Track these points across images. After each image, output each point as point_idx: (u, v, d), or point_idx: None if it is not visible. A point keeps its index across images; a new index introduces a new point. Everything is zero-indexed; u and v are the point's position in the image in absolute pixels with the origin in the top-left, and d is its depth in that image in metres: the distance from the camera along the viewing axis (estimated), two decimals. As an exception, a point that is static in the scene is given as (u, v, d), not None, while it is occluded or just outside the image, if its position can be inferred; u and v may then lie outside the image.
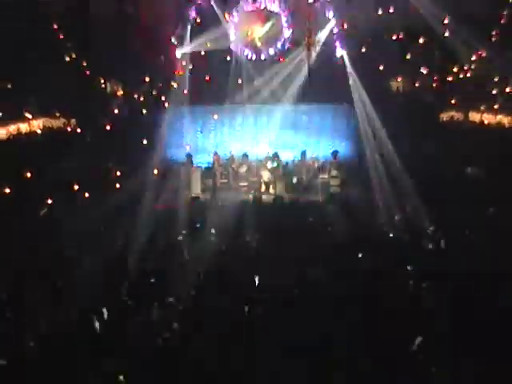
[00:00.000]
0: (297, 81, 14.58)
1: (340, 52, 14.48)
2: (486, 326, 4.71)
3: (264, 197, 12.26)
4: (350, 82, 14.04)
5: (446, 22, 13.00)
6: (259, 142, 14.58)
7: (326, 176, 13.28)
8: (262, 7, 14.80)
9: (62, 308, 4.76)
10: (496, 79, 13.11)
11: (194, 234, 8.20)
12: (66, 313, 4.69)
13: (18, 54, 10.59)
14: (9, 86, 11.22)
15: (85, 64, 12.55)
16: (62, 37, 11.86)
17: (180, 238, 7.91)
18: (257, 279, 5.81)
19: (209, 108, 14.68)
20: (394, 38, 13.73)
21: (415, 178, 10.75)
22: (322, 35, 14.36)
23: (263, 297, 5.13)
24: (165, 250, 6.80)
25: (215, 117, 14.67)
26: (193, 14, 14.51)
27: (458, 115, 14.08)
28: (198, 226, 9.12)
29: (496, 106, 13.25)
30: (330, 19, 14.45)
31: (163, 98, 13.93)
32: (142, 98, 13.76)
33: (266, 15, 14.88)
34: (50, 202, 9.48)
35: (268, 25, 14.90)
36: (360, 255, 6.76)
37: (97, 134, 12.25)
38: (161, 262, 6.15)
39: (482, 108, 13.50)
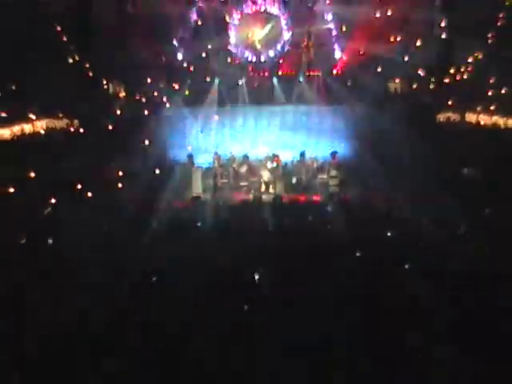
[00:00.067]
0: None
1: (338, 54, 14.43)
2: (484, 326, 4.63)
3: (264, 196, 12.20)
4: (349, 83, 14.00)
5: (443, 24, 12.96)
6: (259, 142, 14.51)
7: (324, 176, 13.19)
8: (262, 10, 14.76)
9: (62, 308, 4.67)
10: (492, 81, 13.02)
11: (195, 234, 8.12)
12: (66, 313, 4.60)
13: (20, 55, 10.49)
14: (13, 87, 11.12)
15: (87, 65, 12.46)
16: (64, 38, 11.74)
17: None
18: (257, 278, 5.74)
19: (210, 109, 14.61)
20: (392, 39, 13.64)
21: (413, 178, 10.68)
22: (320, 37, 14.31)
23: (263, 297, 5.05)
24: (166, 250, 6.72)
25: (216, 118, 14.60)
26: (194, 16, 14.47)
27: (454, 116, 14.00)
28: (199, 224, 9.04)
29: (492, 108, 13.17)
30: (328, 22, 14.40)
31: (165, 99, 13.85)
32: (143, 99, 13.67)
33: (266, 18, 14.86)
34: (53, 201, 9.39)
35: (268, 27, 14.88)
36: (358, 254, 6.71)
37: (99, 135, 12.17)
38: (161, 262, 6.07)
39: (479, 109, 13.42)
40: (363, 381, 4.14)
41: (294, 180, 13.19)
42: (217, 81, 14.70)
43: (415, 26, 13.62)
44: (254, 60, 15.00)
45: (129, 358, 4.27)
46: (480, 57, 13.06)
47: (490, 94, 13.06)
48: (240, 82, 14.74)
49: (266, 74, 15.06)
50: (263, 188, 12.78)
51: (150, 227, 7.75)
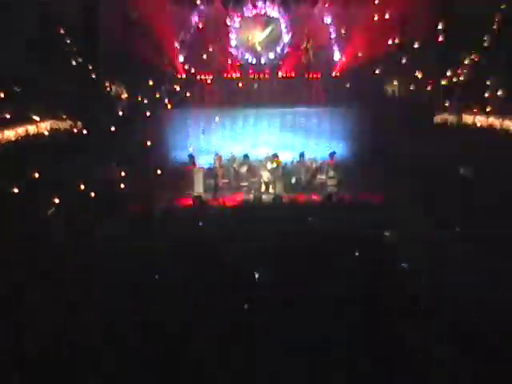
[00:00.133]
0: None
1: (337, 56, 14.35)
2: (484, 326, 4.54)
3: (264, 196, 12.16)
4: (347, 84, 13.93)
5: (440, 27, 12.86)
6: (259, 143, 14.45)
7: (323, 176, 13.18)
8: (263, 13, 14.72)
9: (62, 308, 4.58)
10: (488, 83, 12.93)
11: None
12: (65, 313, 4.51)
13: (25, 57, 10.40)
14: (17, 89, 11.03)
15: (90, 67, 12.38)
16: (68, 40, 11.65)
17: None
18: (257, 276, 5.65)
19: (211, 111, 14.55)
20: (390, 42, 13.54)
21: (410, 178, 10.60)
22: (320, 40, 14.25)
23: (263, 297, 4.95)
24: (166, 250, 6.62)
25: (217, 119, 14.55)
26: (195, 19, 14.41)
27: (451, 117, 13.92)
28: (200, 224, 8.94)
29: (488, 109, 13.09)
30: (328, 24, 14.33)
31: (166, 101, 13.79)
32: (145, 101, 13.61)
33: (266, 21, 14.84)
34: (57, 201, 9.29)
35: (268, 30, 14.85)
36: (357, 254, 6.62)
37: (102, 136, 12.10)
38: (162, 262, 5.98)
39: (475, 110, 13.34)
40: (363, 381, 4.05)
41: (293, 180, 13.16)
42: (218, 82, 14.67)
43: (413, 28, 13.51)
44: (254, 62, 14.95)
45: (129, 358, 4.17)
46: (476, 59, 12.96)
47: (486, 95, 13.00)
48: (240, 84, 14.69)
49: (266, 75, 15.00)
50: (263, 188, 12.74)
51: (150, 227, 7.67)
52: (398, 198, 9.89)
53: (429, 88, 13.84)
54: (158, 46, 13.68)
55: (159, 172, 11.63)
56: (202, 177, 12.81)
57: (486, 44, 12.44)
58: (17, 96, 10.29)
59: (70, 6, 12.22)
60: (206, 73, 14.76)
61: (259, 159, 13.69)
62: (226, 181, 13.33)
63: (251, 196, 12.17)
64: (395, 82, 14.66)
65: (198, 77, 14.74)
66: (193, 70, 14.53)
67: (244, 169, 13.38)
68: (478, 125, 13.04)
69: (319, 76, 14.84)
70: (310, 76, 14.90)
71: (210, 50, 14.35)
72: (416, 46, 13.37)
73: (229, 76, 14.88)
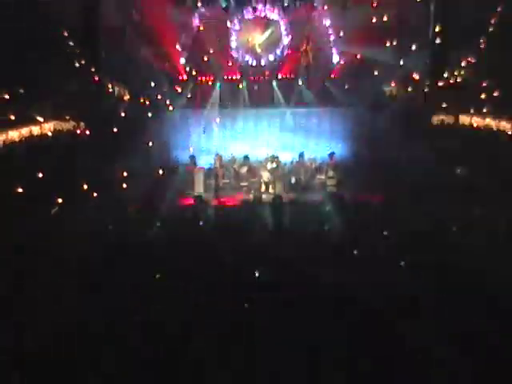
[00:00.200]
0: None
1: (336, 57, 14.27)
2: (484, 326, 4.45)
3: (264, 196, 12.09)
4: (346, 86, 13.86)
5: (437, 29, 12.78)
6: (259, 143, 14.36)
7: (322, 176, 13.07)
8: (262, 16, 14.64)
9: (61, 308, 4.49)
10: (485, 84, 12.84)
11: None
12: (65, 313, 4.42)
13: (27, 57, 10.27)
14: (21, 91, 10.93)
15: (93, 69, 12.29)
16: (71, 42, 11.54)
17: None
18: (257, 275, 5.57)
19: (211, 111, 14.45)
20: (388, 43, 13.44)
21: (408, 178, 10.53)
22: (319, 42, 14.18)
23: (263, 297, 4.86)
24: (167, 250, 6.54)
25: (217, 120, 14.46)
26: (196, 21, 14.32)
27: (448, 118, 13.83)
28: (200, 223, 8.86)
29: (484, 110, 12.99)
30: (327, 26, 14.25)
31: (168, 102, 13.72)
32: (147, 102, 13.54)
33: (266, 23, 14.75)
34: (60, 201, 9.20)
35: (268, 32, 14.77)
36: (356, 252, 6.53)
37: (105, 137, 12.02)
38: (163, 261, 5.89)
39: (472, 111, 13.24)
40: (363, 381, 3.97)
41: (292, 180, 13.05)
42: (218, 84, 14.58)
43: (410, 30, 13.43)
44: (254, 64, 14.87)
45: (129, 358, 4.09)
46: (473, 61, 12.88)
47: (482, 96, 12.91)
48: (241, 86, 14.60)
49: (266, 77, 14.93)
50: (263, 188, 12.65)
51: (151, 226, 7.58)
52: (397, 198, 9.81)
53: (426, 89, 13.75)
54: (159, 47, 13.57)
55: (161, 172, 11.59)
56: (202, 177, 12.70)
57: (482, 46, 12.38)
58: (19, 97, 10.19)
59: (69, 5, 12.09)
60: (206, 75, 14.66)
61: (259, 160, 13.60)
62: (227, 181, 13.24)
63: (251, 196, 12.07)
64: (393, 84, 14.55)
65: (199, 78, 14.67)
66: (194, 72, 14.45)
67: (244, 169, 13.29)
68: (475, 125, 12.97)
69: (318, 77, 14.73)
70: (310, 77, 14.81)
71: (211, 51, 14.25)
72: (413, 47, 13.31)
73: (229, 77, 14.79)
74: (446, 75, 13.35)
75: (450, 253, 6.47)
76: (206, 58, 14.35)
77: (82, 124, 12.65)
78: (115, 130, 12.12)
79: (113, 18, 13.02)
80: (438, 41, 13.06)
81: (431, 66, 13.83)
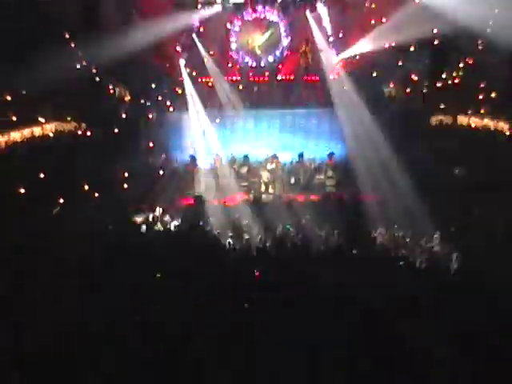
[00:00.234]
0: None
1: (336, 59, 14.23)
2: (484, 326, 4.41)
3: (263, 196, 12.05)
4: (345, 87, 13.83)
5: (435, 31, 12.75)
6: (259, 144, 14.32)
7: (322, 176, 13.05)
8: (262, 17, 14.62)
9: (61, 308, 4.45)
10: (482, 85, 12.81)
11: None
12: (65, 313, 4.37)
13: (28, 58, 10.23)
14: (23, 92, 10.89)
15: (94, 70, 12.26)
16: (72, 43, 11.51)
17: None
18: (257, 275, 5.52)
19: (212, 112, 14.43)
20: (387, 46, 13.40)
21: (406, 178, 10.50)
22: (318, 43, 14.15)
23: (263, 297, 4.82)
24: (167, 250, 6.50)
25: (217, 121, 14.43)
26: (196, 23, 14.29)
27: (446, 119, 13.80)
28: (201, 223, 8.85)
29: (482, 111, 12.97)
30: (326, 28, 14.23)
31: (168, 103, 13.69)
32: (148, 103, 13.50)
33: (266, 25, 14.74)
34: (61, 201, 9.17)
35: (267, 34, 14.76)
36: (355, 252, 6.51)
37: (106, 137, 11.98)
38: (163, 261, 5.85)
39: (470, 112, 13.22)
40: (363, 381, 3.92)
41: (292, 180, 13.04)
42: (218, 85, 14.56)
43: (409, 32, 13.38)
44: (254, 65, 14.85)
45: (129, 358, 4.04)
46: (471, 62, 12.87)
47: (480, 97, 12.88)
48: (241, 87, 14.56)
49: (266, 78, 14.89)
50: (263, 188, 12.63)
51: (151, 226, 7.54)
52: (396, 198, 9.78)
53: (425, 90, 13.73)
54: (160, 48, 13.54)
55: (161, 172, 11.56)
56: (202, 177, 12.67)
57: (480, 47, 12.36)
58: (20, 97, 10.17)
59: (69, 5, 12.05)
60: (206, 76, 14.63)
61: (259, 160, 13.57)
62: (227, 181, 13.20)
63: (251, 196, 12.05)
64: (392, 85, 14.52)
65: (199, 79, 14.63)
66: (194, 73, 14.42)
67: (244, 169, 13.26)
68: (473, 126, 12.95)
69: (317, 78, 14.70)
70: (309, 79, 14.78)
71: (211, 53, 14.23)
72: (412, 48, 13.29)
73: (229, 79, 14.76)
74: (444, 76, 13.35)
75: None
76: (206, 60, 14.30)
77: (83, 125, 12.64)
78: (116, 130, 12.10)
79: (113, 17, 12.97)
80: (436, 42, 13.02)
81: (430, 66, 13.81)
